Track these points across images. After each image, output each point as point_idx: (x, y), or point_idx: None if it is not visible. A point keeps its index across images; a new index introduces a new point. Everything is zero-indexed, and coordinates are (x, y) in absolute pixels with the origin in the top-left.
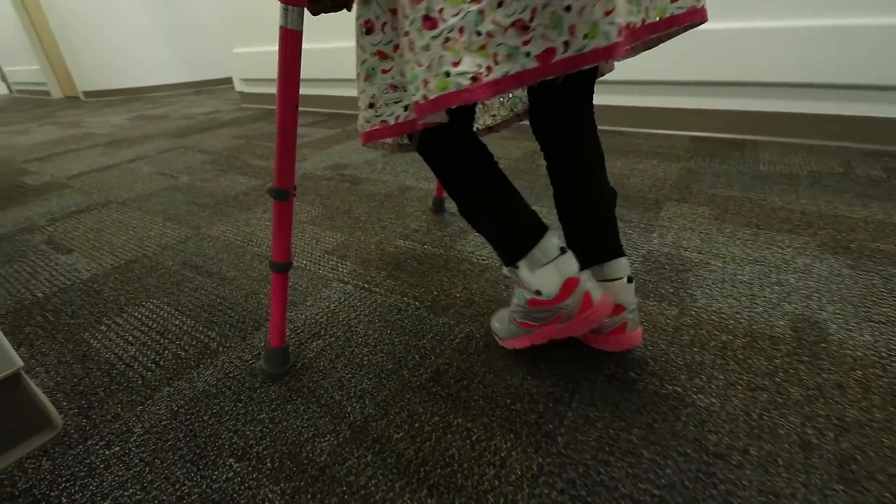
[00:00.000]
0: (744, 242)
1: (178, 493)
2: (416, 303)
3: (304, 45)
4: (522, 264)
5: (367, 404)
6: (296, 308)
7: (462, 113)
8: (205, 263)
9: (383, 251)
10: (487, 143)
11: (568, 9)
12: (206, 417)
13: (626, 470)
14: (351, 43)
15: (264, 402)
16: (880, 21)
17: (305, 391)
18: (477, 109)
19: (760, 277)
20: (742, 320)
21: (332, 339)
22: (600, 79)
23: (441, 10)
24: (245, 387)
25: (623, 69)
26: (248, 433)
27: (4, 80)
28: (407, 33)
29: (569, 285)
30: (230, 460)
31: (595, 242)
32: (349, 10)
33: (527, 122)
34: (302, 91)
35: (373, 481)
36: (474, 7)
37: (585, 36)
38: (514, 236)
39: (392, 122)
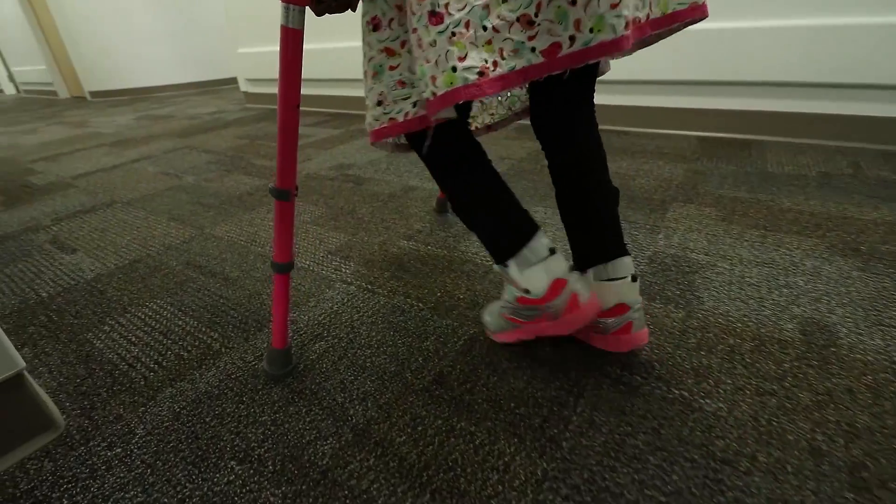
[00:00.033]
0: (751, 244)
1: (180, 496)
2: (420, 304)
3: (309, 45)
4: (512, 263)
5: (369, 407)
6: (298, 309)
7: (459, 111)
8: (208, 264)
9: (387, 252)
10: (492, 142)
11: (573, 2)
12: (208, 419)
13: (632, 476)
14: (356, 43)
15: (266, 404)
16: (892, 19)
17: (308, 393)
18: (475, 108)
19: (769, 280)
20: (750, 323)
21: (335, 340)
22: (602, 78)
23: (447, 5)
24: (247, 388)
25: (629, 68)
26: (249, 435)
27: (12, 80)
28: (415, 30)
29: (556, 286)
30: (232, 463)
31: (598, 241)
32: (353, 10)
33: (531, 123)
34: (306, 91)
35: (375, 485)
36: (480, 2)
37: (591, 30)
38: (505, 235)
39: (401, 118)
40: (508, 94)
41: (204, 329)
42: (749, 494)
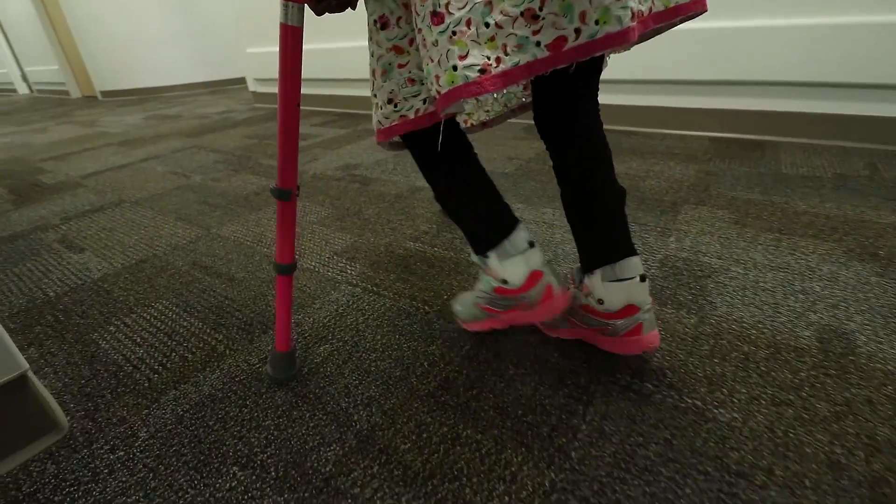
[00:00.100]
0: (766, 248)
1: (181, 502)
2: (426, 307)
3: (316, 45)
4: (492, 254)
5: (373, 412)
6: (303, 311)
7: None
8: (214, 264)
9: (393, 253)
10: (499, 142)
11: None
12: (211, 423)
13: (643, 489)
14: (363, 43)
15: (270, 408)
16: None
17: (311, 397)
18: (471, 105)
19: (784, 285)
20: (765, 330)
21: (340, 343)
22: (611, 77)
23: (447, 5)
24: (251, 392)
25: (638, 67)
26: (252, 440)
27: (25, 80)
28: (419, 30)
29: (533, 277)
30: (234, 468)
31: (604, 241)
32: (353, 8)
33: (534, 120)
34: (313, 91)
35: (378, 494)
36: None
37: (597, 22)
38: (488, 228)
39: (412, 115)
40: (504, 90)
41: (209, 330)
42: None
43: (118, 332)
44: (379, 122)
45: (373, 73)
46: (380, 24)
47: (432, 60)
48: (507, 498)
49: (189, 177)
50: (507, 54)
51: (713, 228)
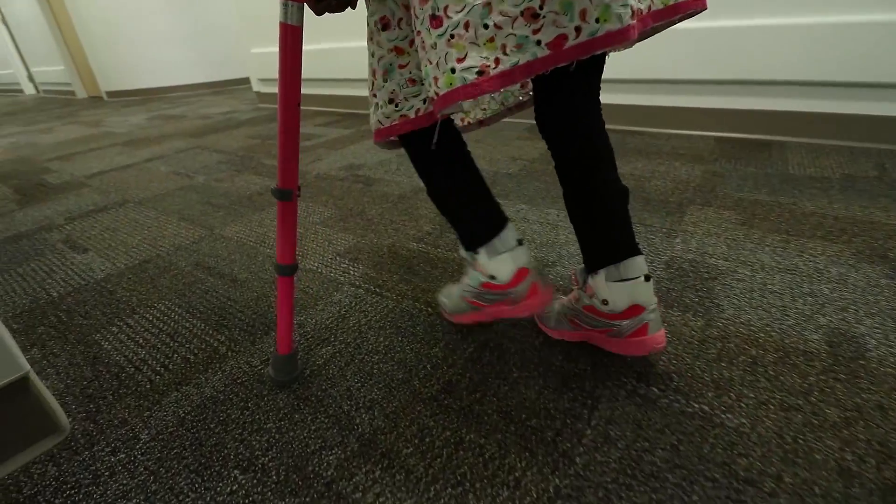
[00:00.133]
0: (773, 249)
1: None
2: (429, 309)
3: (320, 45)
4: (482, 251)
5: (376, 416)
6: (306, 312)
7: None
8: (217, 265)
9: (396, 254)
10: (503, 143)
11: None
12: (212, 425)
13: (650, 495)
14: (365, 43)
15: (271, 411)
16: None
17: (313, 400)
18: (468, 103)
19: (792, 287)
20: (773, 333)
21: (342, 345)
22: (616, 77)
23: (446, 8)
24: (252, 394)
25: (642, 67)
26: (254, 443)
27: (32, 80)
28: (419, 32)
29: (520, 274)
30: (235, 472)
31: (607, 241)
32: (353, 8)
33: (536, 119)
34: (317, 91)
35: (381, 499)
36: (480, 1)
37: (598, 20)
38: (479, 226)
39: (412, 115)
40: (502, 89)
41: (211, 332)
42: None
43: (120, 332)
44: (379, 121)
45: (373, 73)
46: (381, 24)
47: (431, 62)
48: None
49: (192, 177)
50: (506, 54)
51: (720, 230)
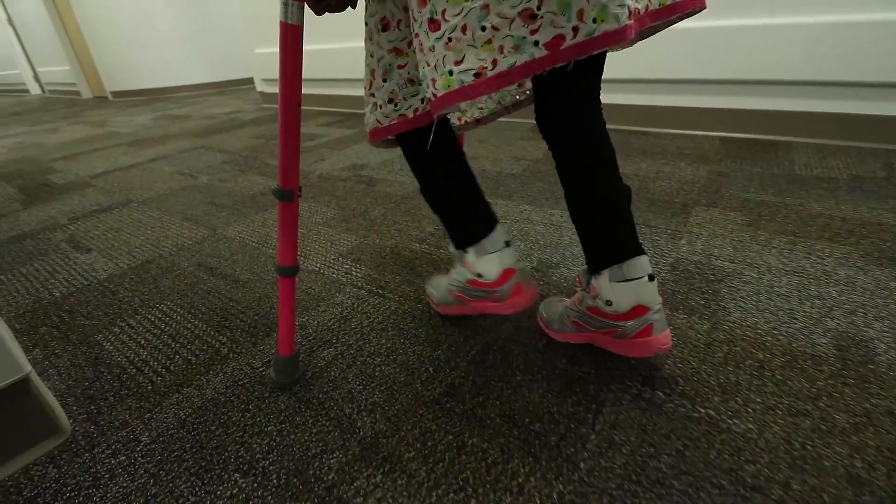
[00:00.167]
0: (780, 251)
1: None
2: (431, 310)
3: (323, 45)
4: (471, 250)
5: (377, 419)
6: (307, 313)
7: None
8: (220, 265)
9: (398, 255)
10: (507, 143)
11: None
12: (213, 427)
13: (655, 502)
14: None
15: (272, 414)
16: None
17: (315, 402)
18: (465, 103)
19: (799, 290)
20: (780, 337)
21: (344, 347)
22: (620, 76)
23: (444, 12)
24: (254, 396)
25: (647, 66)
26: (254, 446)
27: (38, 80)
28: (417, 35)
29: (507, 274)
30: (236, 475)
31: (610, 241)
32: (353, 7)
33: (536, 119)
34: (320, 91)
35: None
36: (478, 3)
37: (595, 20)
38: (470, 226)
39: (410, 115)
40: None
41: (213, 333)
42: None
43: (122, 333)
44: (378, 120)
45: (371, 73)
46: (381, 25)
47: (429, 65)
48: None
49: (196, 177)
50: (503, 56)
51: (726, 231)
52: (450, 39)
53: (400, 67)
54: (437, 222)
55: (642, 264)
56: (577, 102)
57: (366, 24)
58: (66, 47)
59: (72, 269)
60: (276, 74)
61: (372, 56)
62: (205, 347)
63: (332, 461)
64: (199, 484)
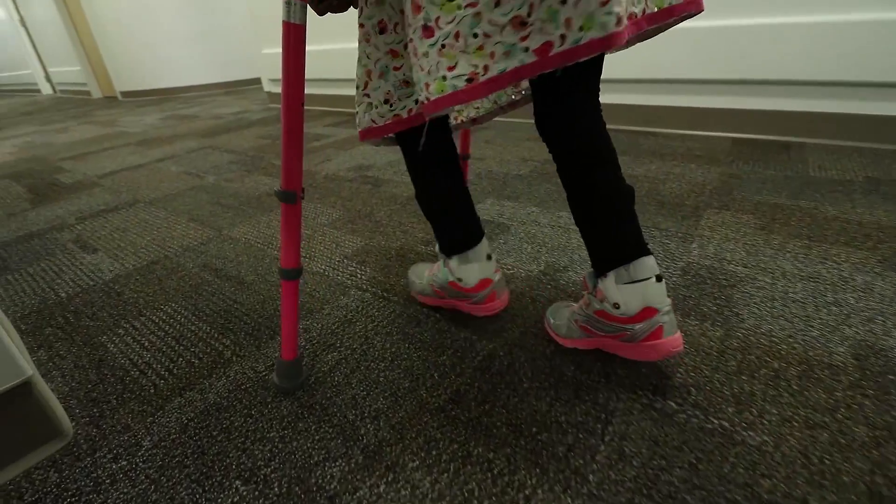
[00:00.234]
0: (794, 256)
1: None
2: (437, 314)
3: (329, 46)
4: (455, 258)
5: (381, 426)
6: (311, 316)
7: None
8: (224, 266)
9: (404, 257)
10: (514, 144)
11: (563, 1)
12: (215, 433)
13: None
14: None
15: (275, 419)
16: None
17: (318, 408)
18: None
19: (815, 296)
20: (796, 345)
21: (348, 351)
22: (628, 76)
23: (437, 19)
24: (256, 401)
25: (656, 66)
26: (256, 452)
27: (49, 80)
28: (411, 39)
29: (484, 283)
30: (237, 482)
31: (614, 242)
32: (356, 7)
33: (535, 121)
34: (327, 91)
35: None
36: (470, 10)
37: (581, 28)
38: (457, 237)
39: (405, 115)
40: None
41: (216, 335)
42: None
43: (127, 335)
44: (372, 120)
45: (367, 73)
46: (379, 28)
47: (422, 69)
48: None
49: (203, 177)
50: (494, 62)
51: (738, 235)
52: (443, 46)
53: (396, 69)
54: None
55: (649, 265)
56: (577, 102)
57: (361, 25)
58: (77, 48)
59: (78, 269)
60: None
61: (369, 57)
62: (208, 350)
63: (334, 470)
64: (200, 491)
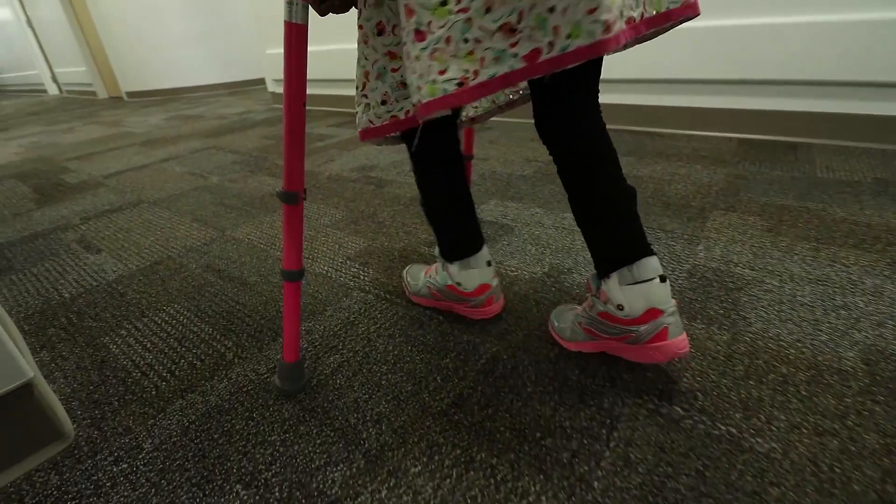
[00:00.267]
0: (802, 258)
1: None
2: (440, 317)
3: (333, 46)
4: (456, 264)
5: (383, 430)
6: (314, 318)
7: (447, 116)
8: (227, 267)
9: (407, 259)
10: (518, 144)
11: (552, 10)
12: (216, 436)
13: None
14: None
15: (276, 422)
16: None
17: (319, 411)
18: None
19: (823, 300)
20: (805, 349)
21: (351, 354)
22: (633, 76)
23: (429, 24)
24: (258, 403)
25: (661, 66)
26: (257, 456)
27: (55, 81)
28: (405, 43)
29: (483, 288)
30: (237, 487)
31: (617, 243)
32: (357, 8)
33: (534, 122)
34: (331, 91)
35: None
36: (461, 16)
37: (569, 35)
38: (459, 243)
39: (402, 116)
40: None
41: (218, 337)
42: None
43: (129, 336)
44: (370, 120)
45: (366, 74)
46: (377, 30)
47: (415, 73)
48: None
49: (206, 177)
50: (484, 67)
51: (745, 236)
52: (434, 50)
53: (394, 71)
54: None
55: (652, 265)
56: (577, 103)
57: (360, 27)
58: (83, 48)
59: (81, 269)
60: None
61: (367, 59)
62: (210, 352)
63: (335, 474)
64: (201, 495)
